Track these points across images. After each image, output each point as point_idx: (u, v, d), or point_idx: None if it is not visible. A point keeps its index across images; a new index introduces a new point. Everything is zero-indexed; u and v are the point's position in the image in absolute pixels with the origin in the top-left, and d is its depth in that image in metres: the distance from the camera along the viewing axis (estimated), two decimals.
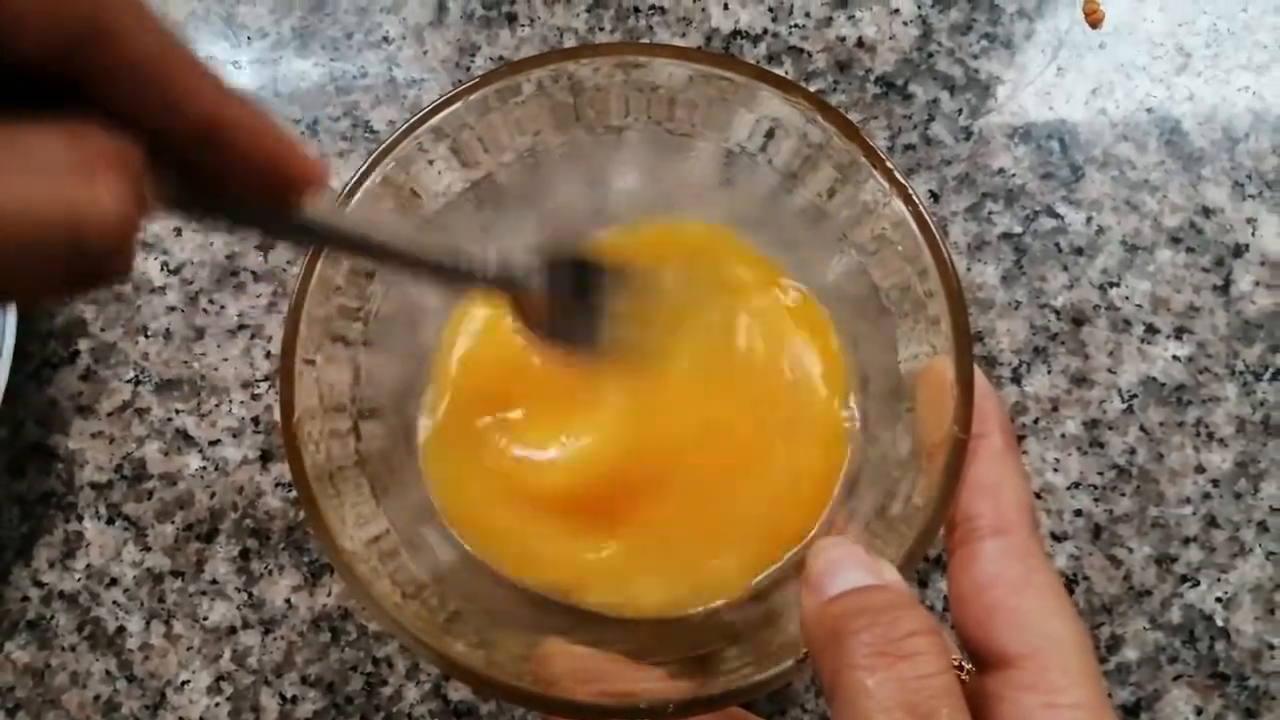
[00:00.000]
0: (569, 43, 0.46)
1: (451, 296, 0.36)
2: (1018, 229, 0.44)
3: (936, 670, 0.21)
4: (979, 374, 0.27)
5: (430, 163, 0.32)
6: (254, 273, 0.44)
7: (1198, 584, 0.41)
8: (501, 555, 0.34)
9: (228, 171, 0.20)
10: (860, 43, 0.46)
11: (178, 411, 0.43)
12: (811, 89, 0.32)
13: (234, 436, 0.43)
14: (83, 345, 0.43)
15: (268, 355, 0.43)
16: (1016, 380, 0.43)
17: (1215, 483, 0.42)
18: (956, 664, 0.26)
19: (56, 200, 0.15)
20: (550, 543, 0.34)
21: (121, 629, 0.41)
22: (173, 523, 0.42)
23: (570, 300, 0.30)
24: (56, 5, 0.16)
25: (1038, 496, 0.42)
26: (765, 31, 0.46)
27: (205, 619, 0.41)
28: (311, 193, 0.21)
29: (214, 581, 0.42)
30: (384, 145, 0.30)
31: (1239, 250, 0.44)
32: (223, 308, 0.44)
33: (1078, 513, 0.41)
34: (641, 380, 0.35)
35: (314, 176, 0.21)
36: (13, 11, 0.15)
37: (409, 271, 0.28)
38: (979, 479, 0.27)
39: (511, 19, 0.46)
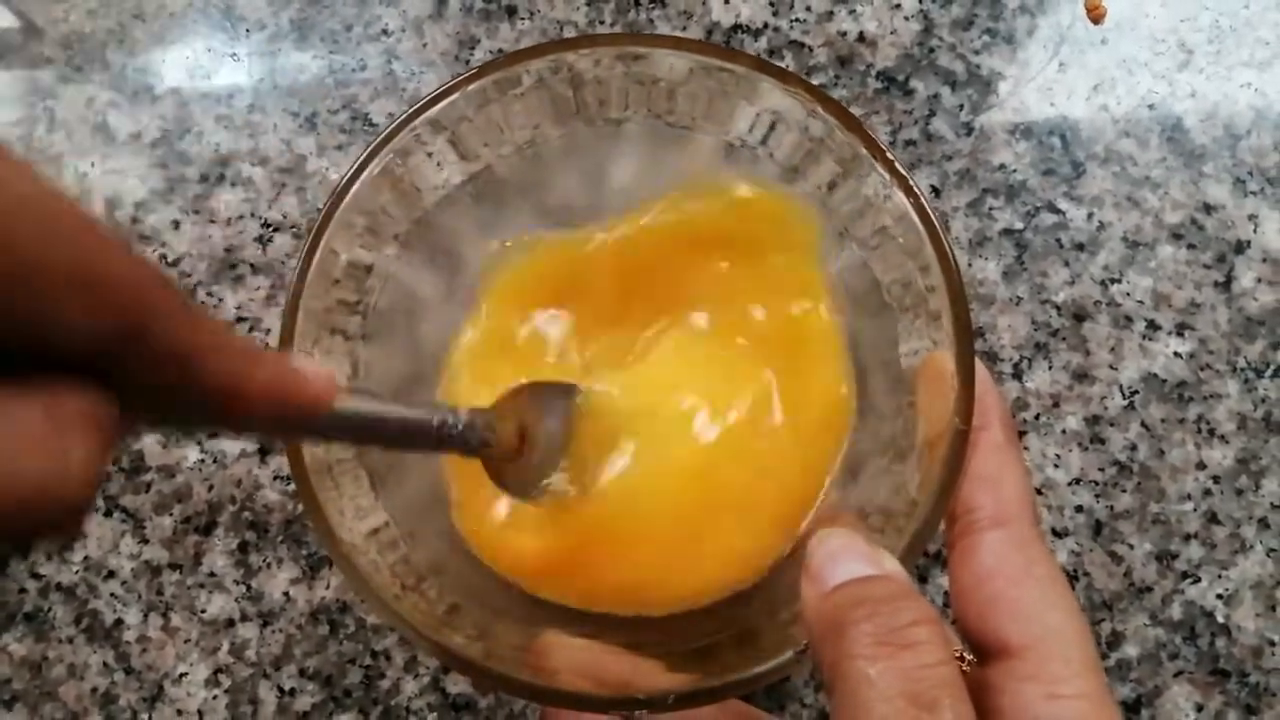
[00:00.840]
0: (569, 35, 0.46)
1: (450, 295, 0.36)
2: (1019, 225, 0.44)
3: (938, 660, 0.21)
4: (979, 367, 0.27)
5: (429, 155, 0.31)
6: (252, 265, 0.44)
7: (1199, 580, 0.41)
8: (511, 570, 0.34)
9: (228, 417, 0.19)
10: (861, 37, 0.46)
11: None
12: (813, 84, 0.32)
13: None
14: None
15: (266, 348, 0.43)
16: (1018, 376, 0.42)
17: (1216, 479, 0.41)
18: (958, 654, 0.26)
19: (29, 472, 0.15)
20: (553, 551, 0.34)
21: (119, 621, 0.41)
22: (171, 515, 0.42)
23: (542, 434, 0.32)
24: (99, 303, 0.16)
25: (1039, 492, 0.41)
26: (766, 26, 0.46)
27: (203, 611, 0.41)
28: (329, 405, 0.21)
29: (212, 574, 0.41)
30: (381, 137, 0.30)
31: (1240, 247, 0.43)
32: (221, 300, 0.44)
33: (1079, 509, 0.41)
34: (639, 377, 0.35)
35: (321, 401, 0.21)
36: (50, 306, 0.15)
37: (386, 447, 0.30)
38: (979, 471, 0.27)
39: (511, 12, 0.46)
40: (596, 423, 0.34)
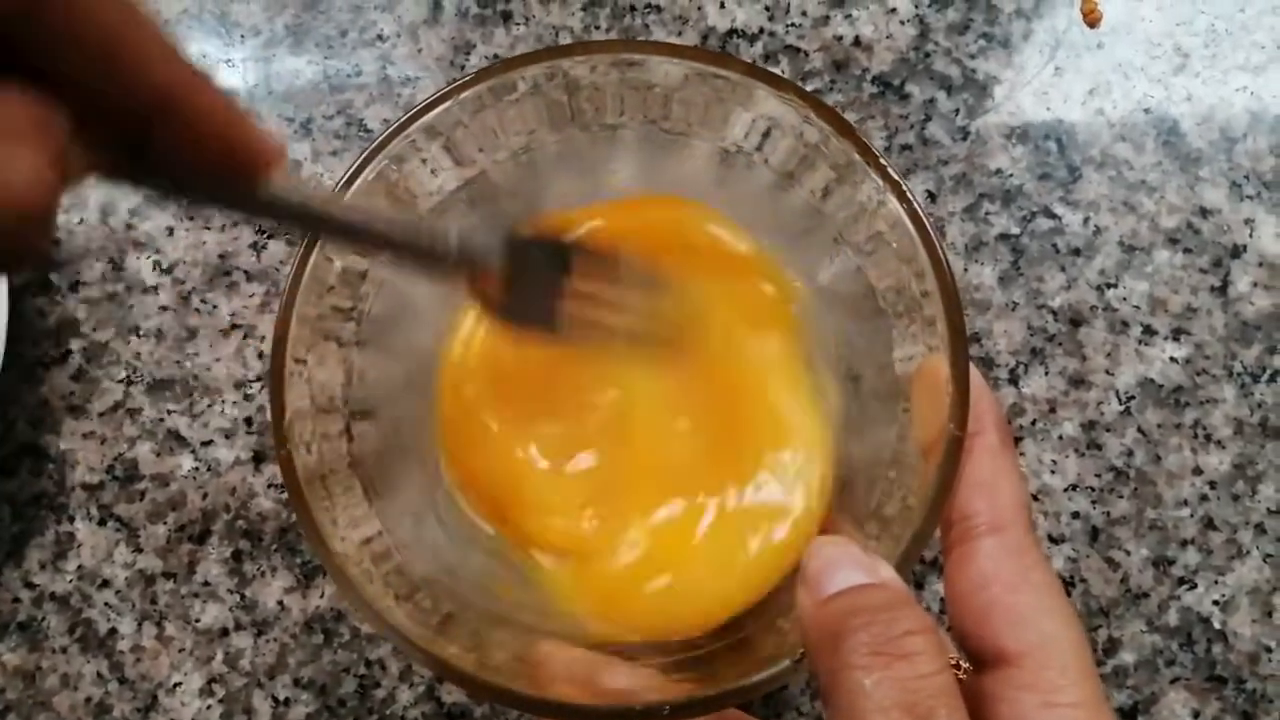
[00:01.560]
0: (564, 41, 0.46)
1: (445, 301, 0.36)
2: (1015, 230, 0.44)
3: (934, 670, 0.21)
4: (974, 372, 0.27)
5: (423, 161, 0.31)
6: (246, 272, 0.44)
7: (1195, 586, 0.41)
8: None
9: (178, 147, 0.18)
10: (857, 42, 0.46)
11: (170, 412, 0.43)
12: (808, 89, 0.32)
13: (226, 437, 0.42)
14: (74, 345, 0.43)
15: (260, 355, 0.43)
16: (1014, 382, 0.42)
17: (1213, 485, 0.41)
18: (954, 663, 0.25)
19: None
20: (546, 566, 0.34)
21: (113, 631, 0.41)
22: (165, 524, 0.42)
23: (531, 279, 0.30)
24: None
25: (1035, 499, 0.41)
26: (762, 31, 0.46)
27: (197, 621, 0.41)
28: (268, 171, 0.20)
29: (206, 583, 0.41)
30: (376, 143, 0.30)
31: (1237, 251, 0.43)
32: (215, 307, 0.43)
33: (1075, 515, 0.41)
34: (618, 393, 0.35)
35: (270, 155, 0.20)
36: None
37: (370, 250, 0.27)
38: (975, 477, 0.27)
39: (506, 17, 0.46)
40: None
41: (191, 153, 0.19)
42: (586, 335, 0.31)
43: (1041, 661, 0.24)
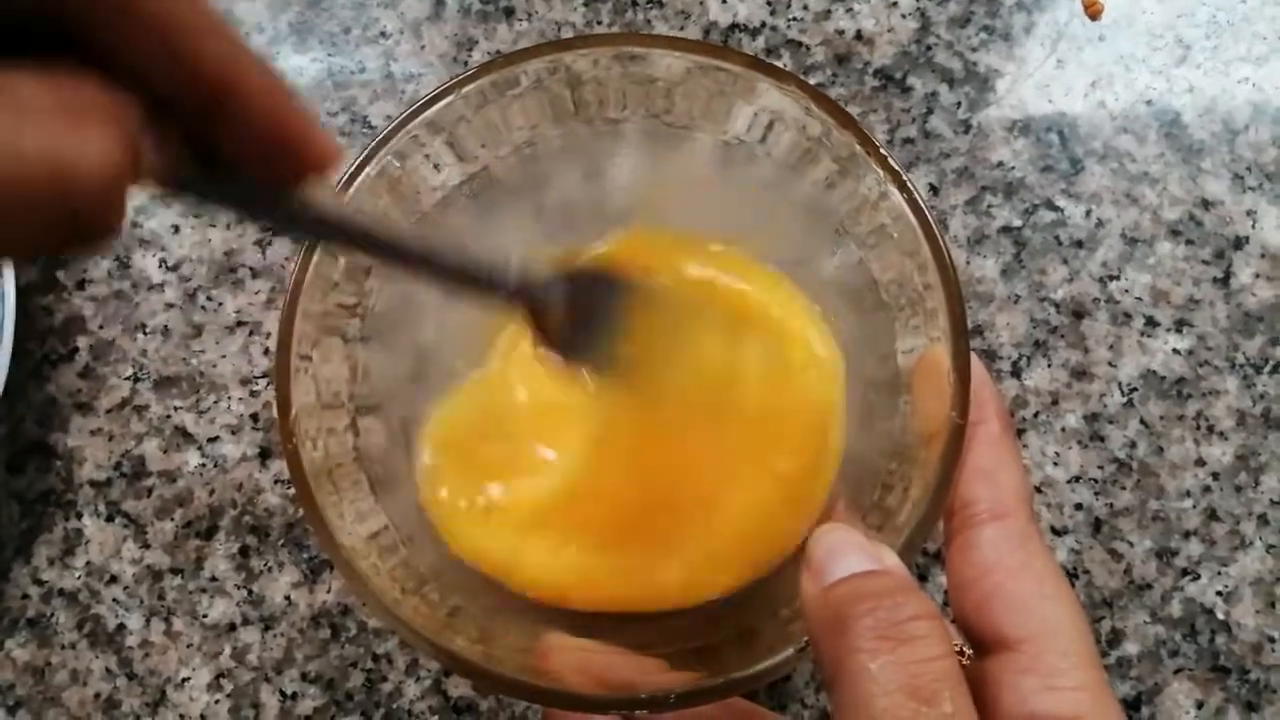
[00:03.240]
0: (567, 36, 0.46)
1: (449, 298, 0.36)
2: (1017, 222, 0.44)
3: (938, 654, 0.21)
4: (976, 362, 0.27)
5: (426, 156, 0.32)
6: (252, 269, 0.44)
7: (1198, 577, 0.41)
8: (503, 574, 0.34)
9: (234, 143, 0.18)
10: (859, 36, 0.46)
11: (176, 408, 0.43)
12: (810, 83, 0.32)
13: (233, 433, 0.43)
14: (81, 342, 0.43)
15: (266, 352, 0.43)
16: (1016, 374, 0.42)
17: (1216, 476, 0.41)
18: (956, 648, 0.26)
19: (41, 144, 0.15)
20: (552, 556, 0.34)
21: (121, 626, 0.41)
22: (172, 520, 0.42)
23: (585, 314, 0.30)
24: None
25: (1038, 490, 0.41)
26: (763, 25, 0.46)
27: (205, 616, 0.41)
28: (322, 176, 0.20)
29: (213, 578, 0.41)
30: (379, 138, 0.30)
31: (1239, 243, 0.43)
32: (221, 304, 0.44)
33: (1078, 506, 0.41)
34: (636, 393, 0.35)
35: (327, 158, 0.20)
36: None
37: (425, 277, 0.26)
38: (977, 465, 0.27)
39: (509, 13, 0.46)
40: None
41: (247, 150, 0.19)
42: (635, 373, 0.32)
43: (1043, 646, 0.24)
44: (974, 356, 0.28)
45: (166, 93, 0.17)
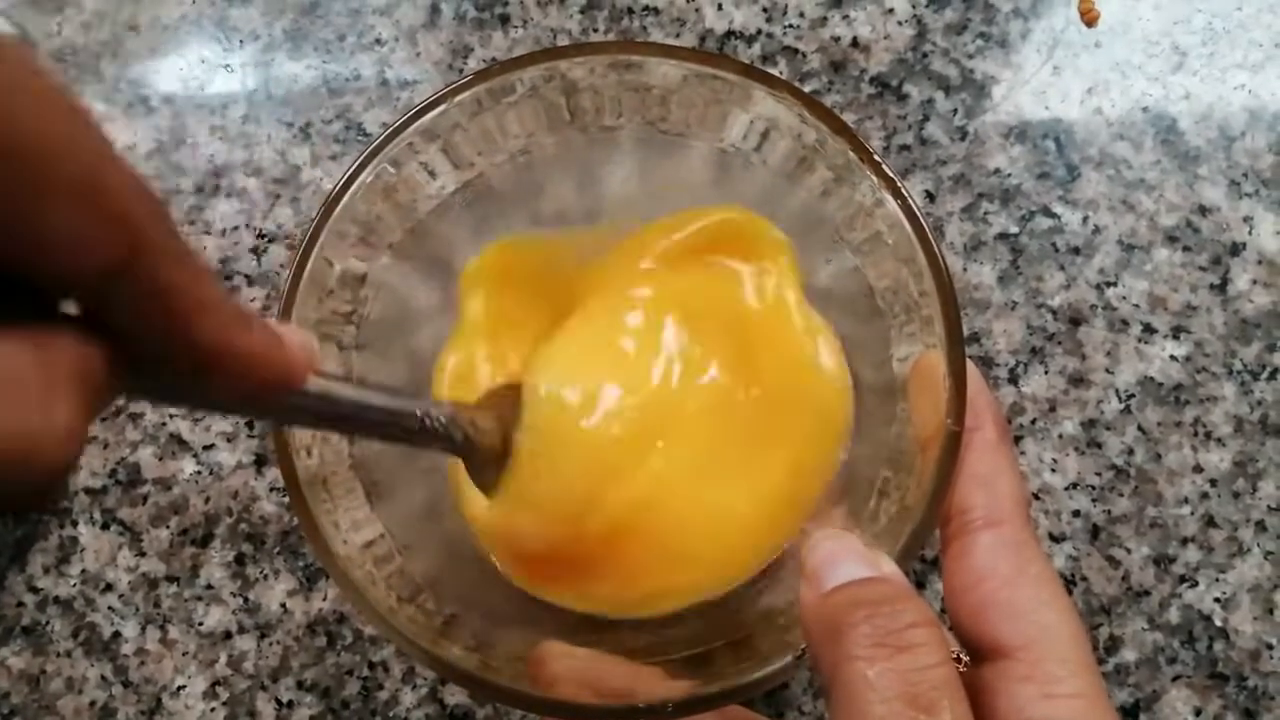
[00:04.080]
0: (562, 44, 0.46)
1: (444, 304, 0.36)
2: (1014, 229, 0.44)
3: (936, 661, 0.21)
4: (971, 368, 0.27)
5: (422, 164, 0.31)
6: (248, 276, 0.44)
7: (1196, 584, 0.41)
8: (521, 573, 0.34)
9: (210, 381, 0.18)
10: (855, 43, 0.46)
11: (172, 416, 0.43)
12: (806, 90, 0.32)
13: (228, 441, 0.43)
14: None
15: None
16: (1014, 381, 0.42)
17: (1213, 482, 0.41)
18: (954, 655, 0.26)
19: (12, 423, 0.14)
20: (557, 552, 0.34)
21: (117, 634, 0.41)
22: (167, 528, 0.42)
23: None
24: (95, 234, 0.15)
25: (1036, 497, 0.41)
26: (759, 32, 0.46)
27: (201, 624, 0.41)
28: (299, 384, 0.21)
29: (209, 586, 0.41)
30: (374, 146, 0.30)
31: (1236, 249, 0.43)
32: None
33: (1076, 513, 0.41)
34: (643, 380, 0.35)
35: (302, 371, 0.21)
36: (45, 237, 0.14)
37: (367, 437, 0.29)
38: (973, 471, 0.27)
39: (504, 20, 0.46)
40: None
41: (222, 387, 0.19)
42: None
43: (1040, 654, 0.24)
44: (970, 363, 0.28)
45: (149, 352, 0.17)
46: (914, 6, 0.46)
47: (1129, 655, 0.40)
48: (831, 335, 0.35)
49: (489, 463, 0.31)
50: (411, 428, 0.27)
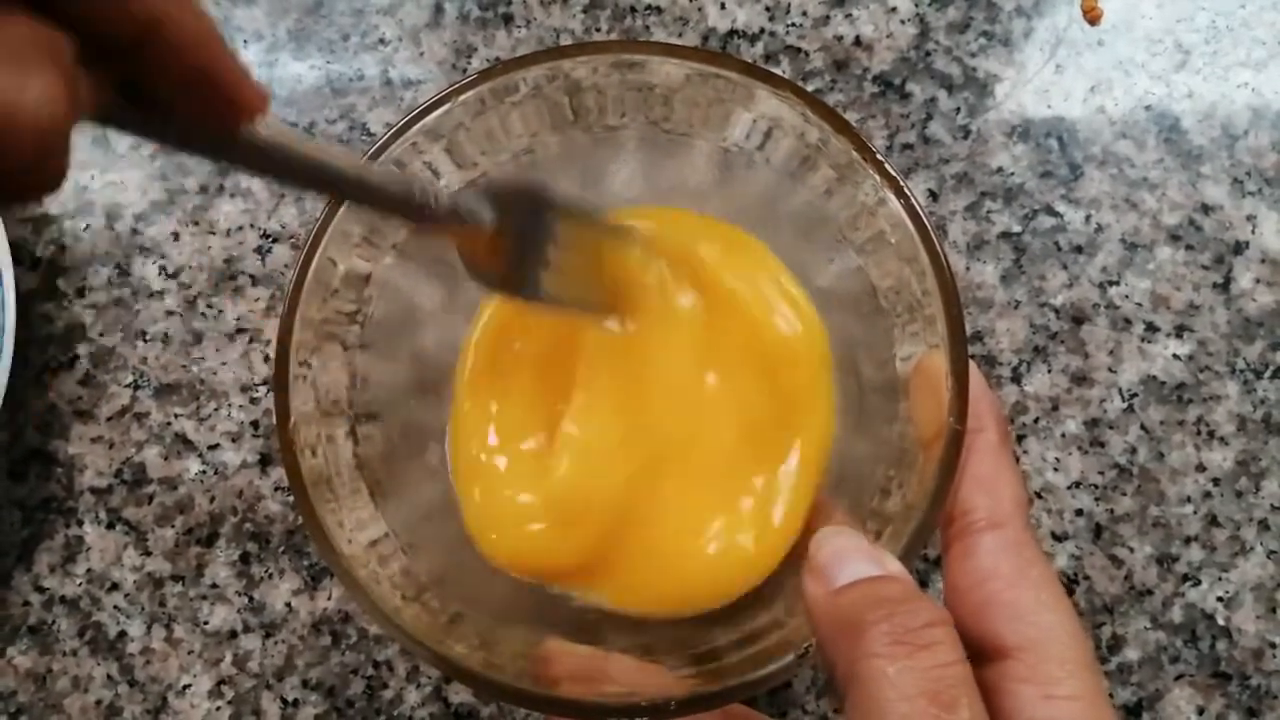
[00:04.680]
0: (565, 43, 0.46)
1: (448, 304, 0.36)
2: (1017, 228, 0.44)
3: (954, 659, 0.22)
4: (974, 370, 0.28)
5: (425, 163, 0.32)
6: (252, 276, 0.44)
7: (1199, 583, 0.41)
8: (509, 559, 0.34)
9: (164, 81, 0.19)
10: (858, 41, 0.46)
11: (177, 416, 0.43)
12: (809, 89, 0.32)
13: (233, 440, 0.43)
14: (82, 350, 0.43)
15: (266, 359, 0.43)
16: (1016, 380, 0.42)
17: (1216, 481, 0.41)
18: None
19: None
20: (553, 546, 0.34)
21: (122, 633, 0.41)
22: (173, 527, 0.42)
23: (522, 241, 0.30)
24: None
25: (1038, 496, 0.41)
26: (762, 31, 0.46)
27: (206, 623, 0.41)
28: (252, 118, 0.21)
29: (214, 585, 0.42)
30: (378, 146, 0.30)
31: (1239, 248, 0.43)
32: (221, 312, 0.44)
33: (1078, 512, 0.41)
34: (628, 377, 0.35)
35: (254, 101, 0.20)
36: None
37: (358, 201, 0.27)
38: (976, 473, 0.27)
39: (508, 20, 0.46)
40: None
41: (176, 87, 0.19)
42: (566, 305, 0.32)
43: (1040, 655, 0.24)
44: (973, 365, 0.28)
45: (95, 29, 0.17)
46: (916, 5, 0.46)
47: (1132, 654, 0.40)
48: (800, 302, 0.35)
49: (479, 242, 0.30)
50: (409, 203, 0.26)
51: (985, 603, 0.25)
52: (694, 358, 0.35)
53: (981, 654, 0.25)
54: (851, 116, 0.44)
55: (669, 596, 0.34)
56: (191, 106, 0.19)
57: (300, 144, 0.23)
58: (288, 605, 0.41)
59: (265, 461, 0.42)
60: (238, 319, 0.44)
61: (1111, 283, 0.43)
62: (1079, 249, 0.43)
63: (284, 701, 0.41)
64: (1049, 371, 0.42)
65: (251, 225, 0.44)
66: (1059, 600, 0.25)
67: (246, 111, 0.20)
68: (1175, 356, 0.42)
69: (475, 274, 0.30)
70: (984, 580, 0.25)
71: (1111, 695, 0.40)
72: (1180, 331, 0.43)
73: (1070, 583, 0.41)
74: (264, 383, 0.43)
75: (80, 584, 0.42)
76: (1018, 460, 0.41)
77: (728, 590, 0.34)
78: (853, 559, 0.24)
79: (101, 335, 0.44)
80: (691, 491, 0.34)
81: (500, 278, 0.31)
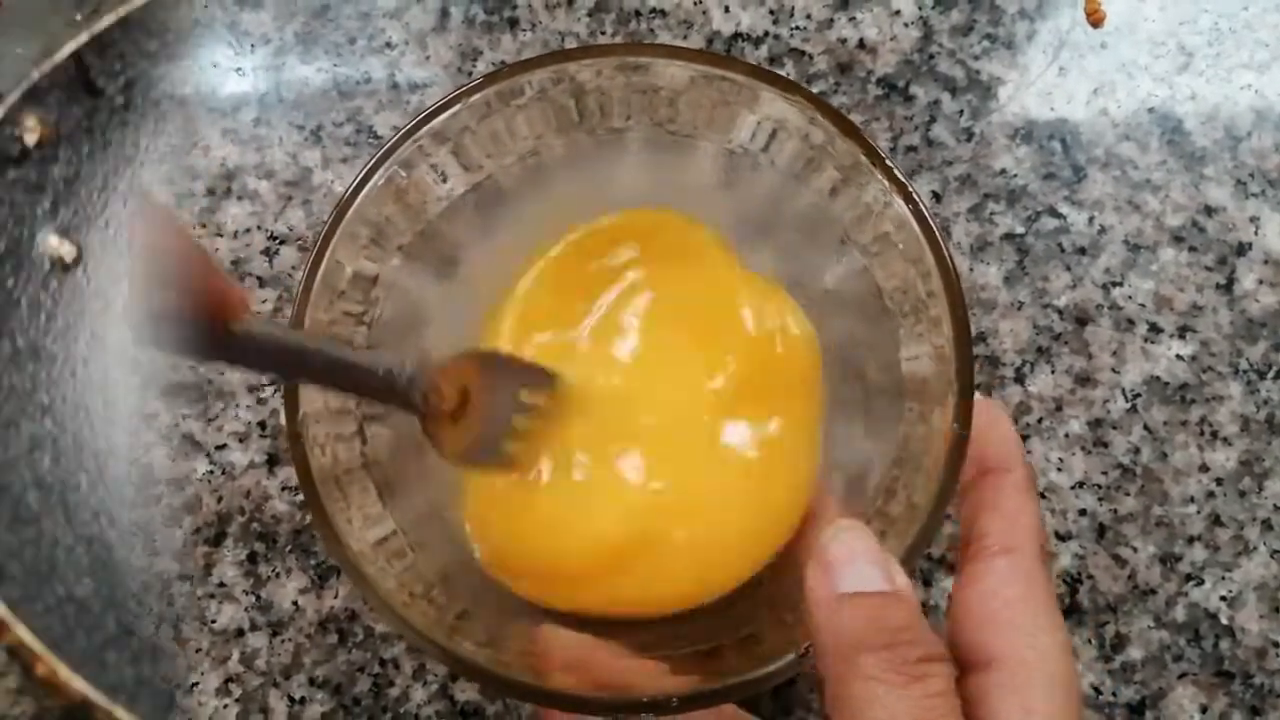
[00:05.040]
0: (570, 46, 0.46)
1: (454, 305, 0.36)
2: (1020, 229, 0.44)
3: (945, 690, 0.23)
4: (1000, 412, 0.29)
5: (432, 166, 0.32)
6: (260, 278, 0.44)
7: (1202, 583, 0.41)
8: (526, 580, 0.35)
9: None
10: (861, 44, 0.46)
11: (184, 416, 0.43)
12: (813, 91, 0.32)
13: (240, 441, 0.43)
14: None
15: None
16: (1020, 380, 0.43)
17: (1219, 481, 0.42)
18: None
19: None
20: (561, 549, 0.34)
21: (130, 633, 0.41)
22: (180, 527, 0.42)
23: (487, 410, 0.32)
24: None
25: (1042, 496, 0.42)
26: (766, 34, 0.46)
27: (213, 622, 0.41)
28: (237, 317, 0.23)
29: (222, 584, 0.42)
30: (384, 149, 0.30)
31: (1242, 249, 0.44)
32: None
33: (1082, 512, 0.41)
34: (625, 387, 0.35)
35: (236, 309, 0.23)
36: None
37: (328, 387, 0.30)
38: (1001, 506, 0.28)
39: (513, 24, 0.46)
40: (585, 413, 0.35)
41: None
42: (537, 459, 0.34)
43: (1029, 672, 0.25)
44: (998, 406, 0.29)
45: None
46: (920, 8, 0.46)
47: (1135, 653, 0.40)
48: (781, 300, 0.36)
49: (443, 423, 0.32)
50: (374, 382, 0.28)
51: (988, 618, 0.26)
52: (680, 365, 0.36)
53: (973, 664, 0.26)
54: (855, 119, 0.45)
55: (668, 598, 0.34)
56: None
57: (276, 339, 0.26)
58: (295, 604, 0.41)
59: (272, 462, 0.43)
60: None
61: (1115, 284, 0.43)
62: (1082, 250, 0.44)
63: (291, 699, 0.41)
64: (1052, 372, 0.43)
65: (259, 227, 0.45)
66: (1057, 627, 0.26)
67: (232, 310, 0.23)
68: (1178, 357, 0.43)
69: (439, 449, 0.32)
70: (989, 597, 0.27)
71: (1115, 694, 0.40)
72: (1183, 332, 0.43)
73: (1074, 582, 0.41)
74: (271, 383, 0.43)
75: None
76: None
77: (722, 584, 0.34)
78: (861, 564, 0.25)
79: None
80: (685, 488, 0.34)
81: (463, 453, 0.33)
